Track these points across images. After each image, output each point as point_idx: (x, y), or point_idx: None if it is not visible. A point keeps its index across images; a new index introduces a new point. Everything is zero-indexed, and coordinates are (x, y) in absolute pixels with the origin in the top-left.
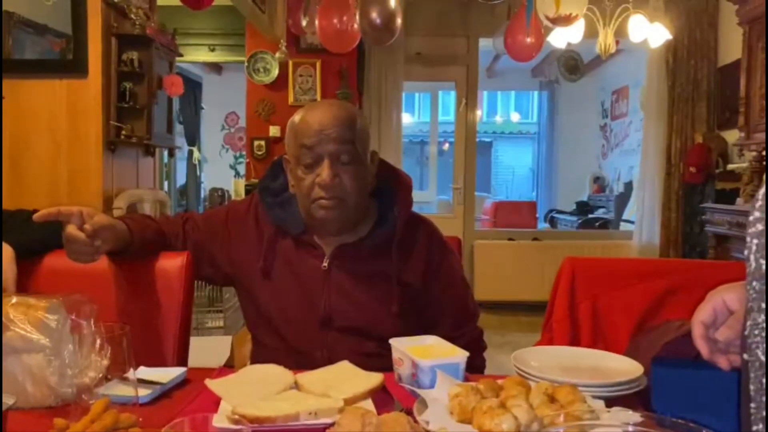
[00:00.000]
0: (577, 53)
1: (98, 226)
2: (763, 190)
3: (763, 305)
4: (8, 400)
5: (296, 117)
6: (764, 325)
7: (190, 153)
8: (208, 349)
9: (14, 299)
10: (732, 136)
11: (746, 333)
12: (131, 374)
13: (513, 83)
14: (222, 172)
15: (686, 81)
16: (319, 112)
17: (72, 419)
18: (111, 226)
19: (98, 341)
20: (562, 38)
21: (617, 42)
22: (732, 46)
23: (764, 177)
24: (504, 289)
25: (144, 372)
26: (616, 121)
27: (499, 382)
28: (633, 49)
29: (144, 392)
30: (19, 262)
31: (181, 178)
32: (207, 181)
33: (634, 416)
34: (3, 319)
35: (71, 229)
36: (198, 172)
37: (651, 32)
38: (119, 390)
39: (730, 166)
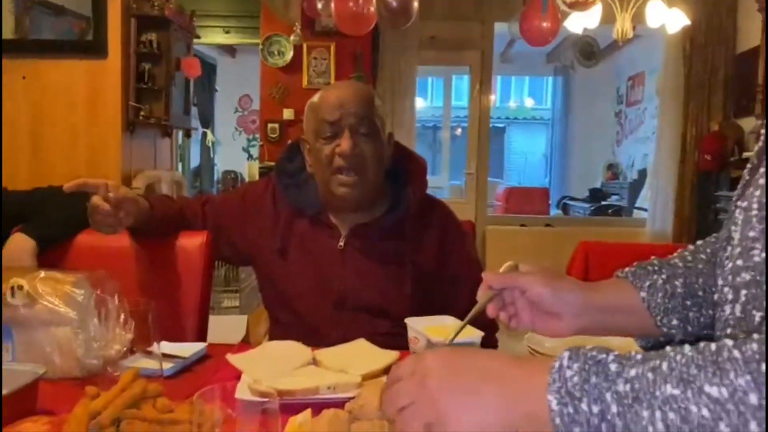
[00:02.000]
0: (593, 38)
1: (122, 197)
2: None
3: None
4: (39, 370)
5: (315, 97)
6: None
7: (204, 135)
8: (224, 327)
9: (42, 274)
10: (749, 123)
11: None
12: (156, 348)
13: (527, 68)
14: (235, 155)
15: (703, 68)
16: (338, 90)
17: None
18: (134, 199)
19: (122, 316)
20: (578, 23)
21: (634, 27)
22: (751, 32)
23: (765, 172)
24: None
25: (166, 347)
26: (631, 107)
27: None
28: (650, 35)
29: (167, 366)
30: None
31: (194, 160)
32: (220, 164)
33: None
34: (32, 292)
35: (96, 200)
36: (211, 155)
37: (669, 17)
38: (143, 363)
39: (745, 154)
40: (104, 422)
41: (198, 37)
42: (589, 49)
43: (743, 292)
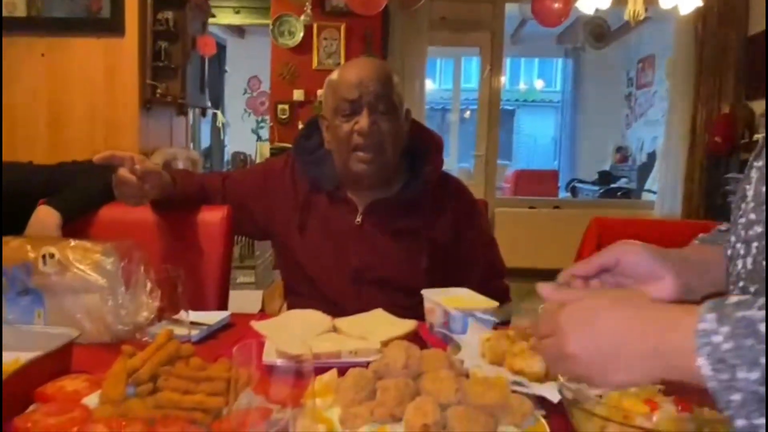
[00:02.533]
0: (604, 20)
1: (147, 170)
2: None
3: None
4: (73, 333)
5: (334, 74)
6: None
7: (214, 116)
8: (240, 301)
9: (72, 242)
10: (760, 106)
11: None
12: (184, 315)
13: (537, 50)
14: (244, 136)
15: (715, 50)
16: (358, 68)
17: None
18: (158, 172)
19: (149, 284)
20: (590, 4)
21: (646, 8)
22: (763, 14)
23: (764, 152)
24: (524, 257)
25: (191, 315)
26: (642, 90)
27: (529, 330)
28: (661, 17)
29: (193, 332)
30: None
31: (204, 141)
32: (230, 145)
33: None
34: (63, 260)
35: (123, 172)
36: (222, 136)
37: None
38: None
39: (756, 136)
40: (142, 378)
41: (213, 15)
42: (599, 31)
43: (754, 244)
